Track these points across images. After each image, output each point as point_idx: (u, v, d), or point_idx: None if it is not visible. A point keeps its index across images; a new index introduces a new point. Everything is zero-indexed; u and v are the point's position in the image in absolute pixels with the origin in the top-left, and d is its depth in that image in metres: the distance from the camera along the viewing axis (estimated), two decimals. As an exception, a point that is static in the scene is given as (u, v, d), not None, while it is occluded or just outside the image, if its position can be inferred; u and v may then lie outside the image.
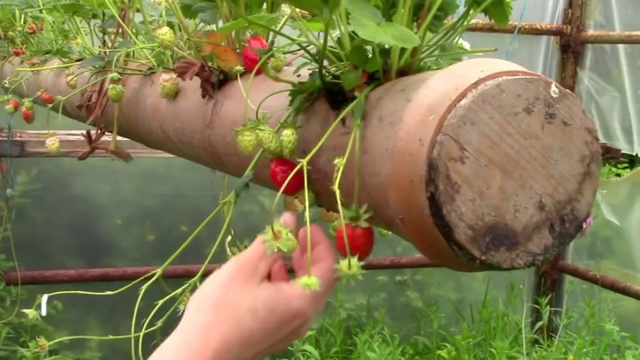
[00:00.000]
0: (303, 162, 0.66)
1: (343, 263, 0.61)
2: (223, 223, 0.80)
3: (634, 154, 3.38)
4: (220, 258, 0.78)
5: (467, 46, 0.76)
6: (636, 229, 3.41)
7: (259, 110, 0.73)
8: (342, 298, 3.46)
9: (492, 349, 3.22)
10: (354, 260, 0.61)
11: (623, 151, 3.39)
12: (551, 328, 3.62)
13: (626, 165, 3.86)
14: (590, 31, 3.56)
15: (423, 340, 3.57)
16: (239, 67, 0.77)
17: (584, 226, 0.60)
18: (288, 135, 0.70)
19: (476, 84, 0.56)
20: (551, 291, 3.70)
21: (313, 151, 0.66)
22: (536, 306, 3.55)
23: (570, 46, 3.59)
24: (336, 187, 0.62)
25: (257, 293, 0.66)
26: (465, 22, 0.71)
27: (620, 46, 3.42)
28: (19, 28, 2.02)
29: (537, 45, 3.66)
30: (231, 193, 0.77)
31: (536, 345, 3.51)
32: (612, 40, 3.45)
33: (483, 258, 0.57)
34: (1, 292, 2.99)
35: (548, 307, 3.45)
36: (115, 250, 3.28)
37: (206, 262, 0.79)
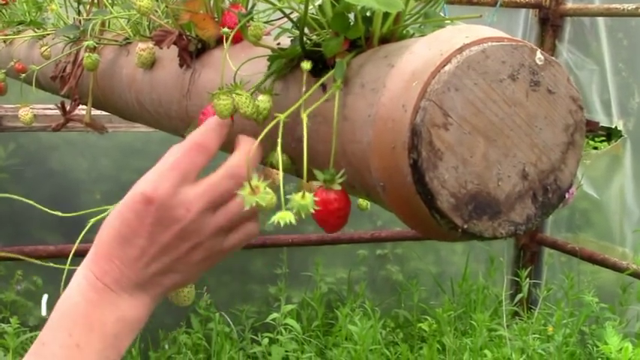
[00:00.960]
0: (281, 117, 0.64)
1: (297, 194, 0.59)
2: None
3: (613, 127, 3.39)
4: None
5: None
6: (614, 201, 3.43)
7: (237, 76, 0.71)
8: (323, 272, 3.47)
9: (473, 322, 3.24)
10: (309, 194, 0.59)
11: (601, 124, 3.41)
12: (531, 300, 3.64)
13: (603, 138, 3.88)
14: (569, 4, 3.56)
15: (403, 314, 3.59)
16: (226, 30, 0.75)
17: (566, 196, 0.59)
18: (264, 101, 0.68)
19: (460, 50, 0.55)
20: (531, 263, 3.72)
21: (293, 108, 0.64)
22: (516, 278, 3.57)
23: (549, 19, 3.58)
24: (304, 116, 0.60)
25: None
26: (448, -11, 0.69)
27: (600, 19, 3.42)
28: (-9, 0, 1.98)
29: (516, 18, 3.65)
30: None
31: (517, 317, 3.54)
32: (591, 12, 3.44)
33: (465, 227, 0.56)
34: (-21, 269, 2.96)
35: (527, 279, 3.47)
36: (94, 225, 3.25)
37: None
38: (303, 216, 0.58)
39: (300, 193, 0.58)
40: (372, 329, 3.13)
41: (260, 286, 3.49)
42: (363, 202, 0.91)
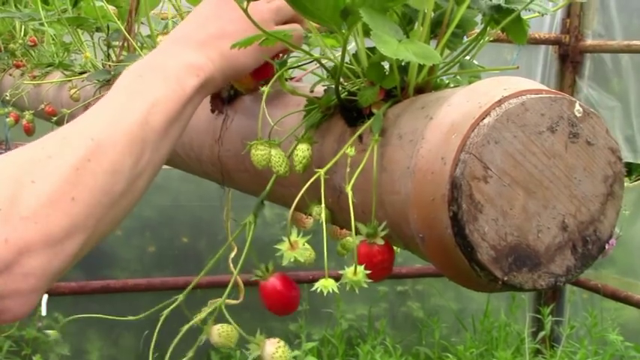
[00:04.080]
0: (321, 172, 0.65)
1: (349, 270, 0.59)
2: (223, 234, 0.80)
3: (637, 162, 3.37)
4: (220, 270, 0.77)
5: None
6: (637, 238, 3.40)
7: (274, 126, 0.72)
8: (343, 309, 3.45)
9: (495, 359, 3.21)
10: (360, 267, 0.60)
11: (625, 160, 3.39)
12: (554, 337, 3.60)
13: (625, 174, 3.86)
14: (589, 41, 3.56)
15: (424, 351, 3.55)
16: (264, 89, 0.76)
17: (606, 247, 0.59)
18: (304, 150, 0.69)
19: (499, 102, 0.55)
20: (553, 300, 3.68)
21: (331, 163, 0.65)
22: (538, 316, 3.54)
23: (569, 56, 3.59)
24: (349, 189, 0.61)
25: None
26: (482, 40, 0.70)
27: (621, 55, 3.42)
28: (19, 41, 2.01)
29: (536, 54, 3.66)
30: (250, 215, 0.76)
31: (539, 355, 3.49)
32: (611, 49, 3.45)
33: (505, 279, 0.56)
34: (1, 305, 2.96)
35: (550, 316, 3.44)
36: (115, 262, 3.26)
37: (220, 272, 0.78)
38: (357, 291, 0.59)
39: (352, 269, 0.58)
40: (394, 367, 3.11)
41: (280, 323, 3.47)
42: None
